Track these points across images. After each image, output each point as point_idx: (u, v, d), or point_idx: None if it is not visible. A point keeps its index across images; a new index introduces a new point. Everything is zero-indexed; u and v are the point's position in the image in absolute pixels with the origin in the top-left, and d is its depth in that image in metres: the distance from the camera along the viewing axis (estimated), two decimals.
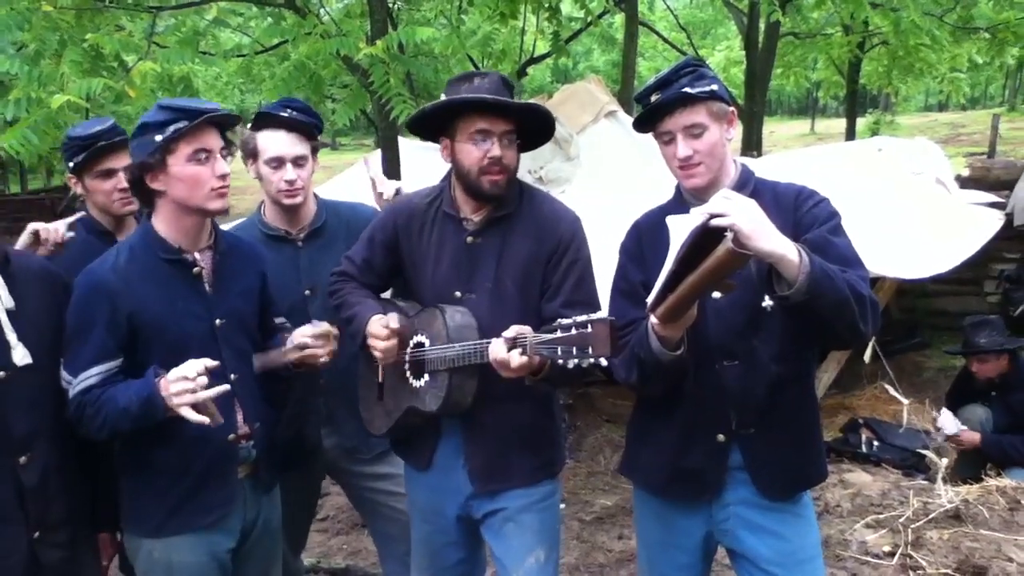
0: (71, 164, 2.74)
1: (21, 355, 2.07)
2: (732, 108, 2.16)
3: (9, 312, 2.06)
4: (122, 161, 2.67)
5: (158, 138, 2.12)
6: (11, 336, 2.05)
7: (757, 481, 2.18)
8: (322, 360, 2.36)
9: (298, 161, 2.72)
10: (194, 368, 2.03)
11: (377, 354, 2.34)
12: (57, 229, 2.62)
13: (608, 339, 1.93)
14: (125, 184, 2.64)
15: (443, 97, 2.32)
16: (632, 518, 2.78)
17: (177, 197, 2.18)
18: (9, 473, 2.05)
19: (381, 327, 2.31)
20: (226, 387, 2.10)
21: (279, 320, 2.55)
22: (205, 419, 2.04)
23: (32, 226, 2.60)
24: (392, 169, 5.11)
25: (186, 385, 2.02)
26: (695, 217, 1.80)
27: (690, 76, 2.09)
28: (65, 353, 2.16)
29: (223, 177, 2.19)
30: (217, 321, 2.28)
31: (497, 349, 2.10)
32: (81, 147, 2.71)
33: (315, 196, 2.90)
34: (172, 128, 2.11)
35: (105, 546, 2.42)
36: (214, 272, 2.31)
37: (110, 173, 2.72)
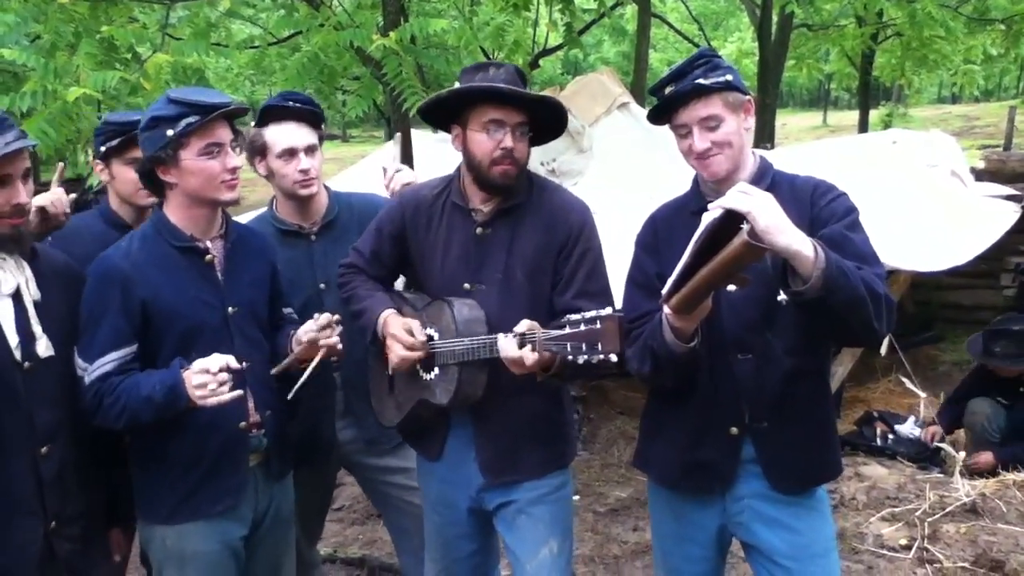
0: (102, 149, 2.67)
1: (44, 347, 2.08)
2: (749, 97, 2.14)
3: (35, 304, 2.08)
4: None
5: (170, 132, 2.13)
6: (36, 327, 2.07)
7: (770, 475, 2.18)
8: (337, 344, 2.33)
9: (310, 150, 2.72)
10: (216, 363, 2.05)
11: (395, 359, 2.33)
12: (60, 198, 2.56)
13: (617, 335, 1.93)
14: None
15: (457, 86, 2.32)
16: (646, 510, 2.77)
17: (189, 189, 2.20)
18: (30, 464, 2.06)
19: (404, 332, 2.30)
20: (240, 392, 2.12)
21: (287, 311, 2.55)
22: (233, 394, 2.07)
23: (37, 202, 2.48)
24: (405, 161, 5.10)
25: (207, 379, 2.04)
26: (712, 211, 1.80)
27: (704, 67, 2.08)
28: (80, 340, 2.17)
29: (233, 170, 2.21)
30: (230, 309, 2.29)
31: (506, 346, 2.10)
32: (116, 132, 2.65)
33: (326, 188, 2.90)
34: (183, 123, 2.12)
35: (118, 542, 2.43)
36: (225, 260, 2.32)
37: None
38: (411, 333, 2.30)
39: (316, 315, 2.35)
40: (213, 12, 6.75)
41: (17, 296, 2.06)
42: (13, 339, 2.03)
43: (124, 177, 2.71)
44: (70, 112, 4.10)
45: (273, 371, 2.37)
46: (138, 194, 2.68)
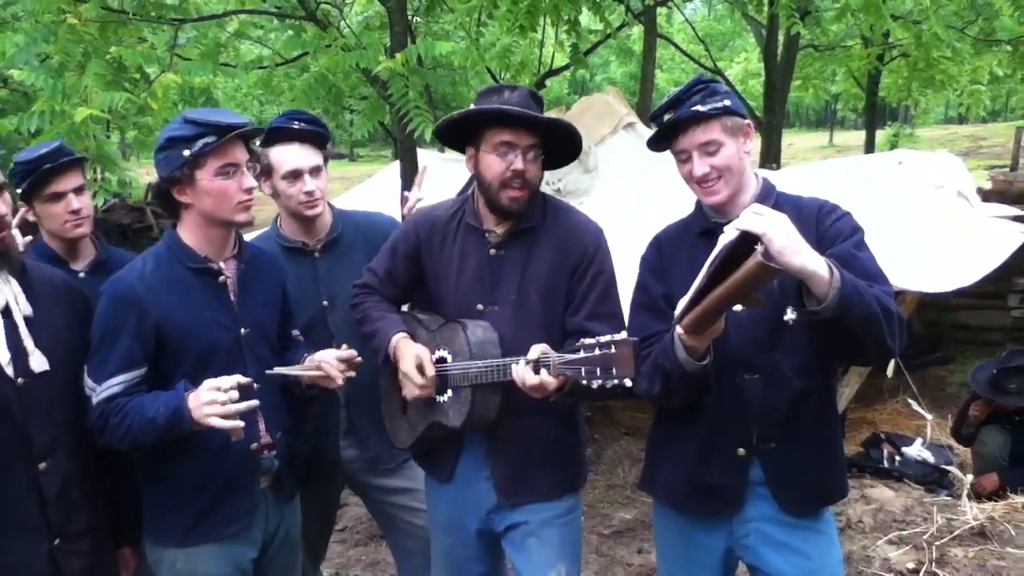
0: (19, 191, 2.66)
1: (38, 362, 2.06)
2: (748, 121, 2.16)
3: (27, 319, 2.07)
4: (70, 183, 2.64)
5: (186, 152, 2.13)
6: (28, 343, 2.06)
7: (778, 496, 2.17)
8: (335, 386, 2.34)
9: (315, 171, 2.73)
10: (228, 382, 2.05)
11: (411, 392, 2.34)
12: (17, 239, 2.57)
13: (631, 360, 1.94)
14: (76, 206, 2.64)
15: (472, 107, 2.33)
16: (651, 532, 2.75)
17: (204, 210, 2.21)
18: (30, 480, 2.04)
19: (415, 368, 2.30)
20: (255, 402, 2.11)
21: (294, 333, 2.56)
22: (236, 423, 2.05)
23: None
24: (410, 181, 5.13)
25: (217, 396, 2.03)
26: (728, 232, 1.81)
27: (702, 93, 2.10)
28: (90, 361, 2.16)
29: (249, 191, 2.22)
30: (242, 331, 2.29)
31: (521, 371, 2.11)
32: (27, 172, 2.64)
33: (330, 206, 2.91)
34: (200, 143, 2.13)
35: (126, 561, 2.42)
36: (238, 282, 2.32)
37: (59, 196, 2.66)
38: (421, 369, 2.30)
39: (344, 345, 2.36)
40: (222, 33, 6.82)
41: (7, 313, 2.04)
42: (4, 355, 2.01)
43: (46, 214, 2.70)
44: (78, 132, 4.13)
45: (271, 371, 2.33)
46: (64, 227, 2.68)
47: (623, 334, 1.99)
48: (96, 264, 2.76)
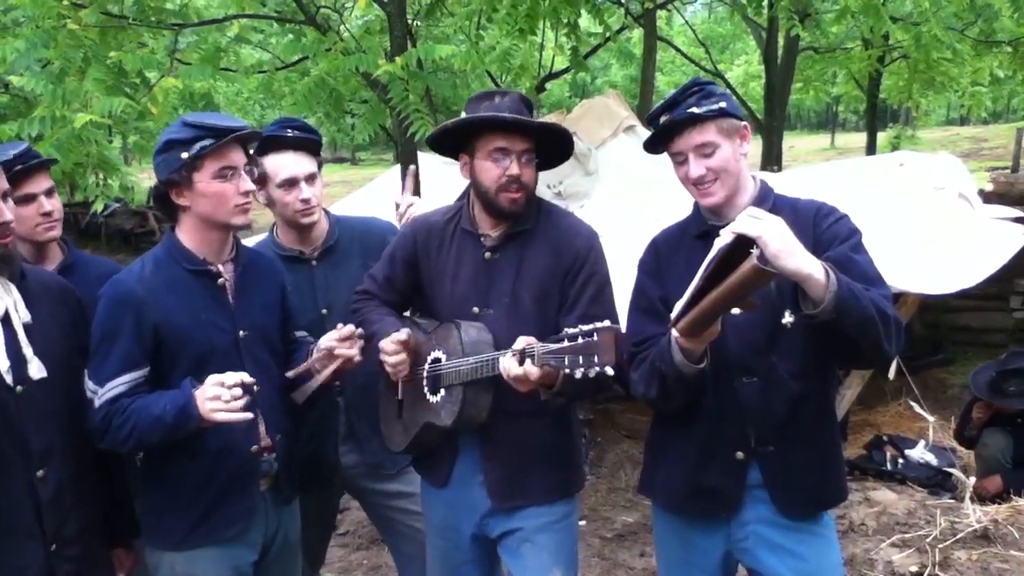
0: None
1: (36, 369, 2.07)
2: (744, 123, 2.16)
3: (25, 326, 2.07)
4: (41, 185, 2.55)
5: (184, 155, 2.14)
6: (27, 350, 2.06)
7: (776, 499, 2.16)
8: (356, 359, 2.33)
9: (310, 178, 2.74)
10: (232, 379, 2.06)
11: (388, 369, 2.35)
12: None
13: (612, 347, 1.94)
14: (48, 208, 2.54)
15: (463, 115, 2.34)
16: (653, 535, 2.76)
17: (202, 213, 2.22)
18: (27, 488, 2.05)
19: (389, 342, 2.32)
20: (250, 415, 2.11)
21: (300, 334, 2.56)
22: (243, 416, 2.06)
23: None
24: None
25: (221, 392, 2.04)
26: (723, 236, 1.81)
27: (697, 95, 2.10)
28: (90, 363, 2.17)
29: (246, 193, 2.23)
30: (241, 333, 2.29)
31: (507, 362, 2.11)
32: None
33: (326, 213, 2.91)
34: (198, 146, 2.14)
35: (121, 561, 2.42)
36: (236, 284, 2.33)
37: (30, 198, 2.54)
38: (394, 340, 2.30)
39: (340, 324, 2.35)
40: (222, 37, 6.83)
41: (6, 320, 2.05)
42: (3, 363, 2.01)
43: (16, 217, 2.51)
44: (80, 137, 4.13)
45: (289, 373, 2.37)
46: (36, 230, 2.56)
47: (605, 322, 1.98)
48: (63, 267, 2.66)
